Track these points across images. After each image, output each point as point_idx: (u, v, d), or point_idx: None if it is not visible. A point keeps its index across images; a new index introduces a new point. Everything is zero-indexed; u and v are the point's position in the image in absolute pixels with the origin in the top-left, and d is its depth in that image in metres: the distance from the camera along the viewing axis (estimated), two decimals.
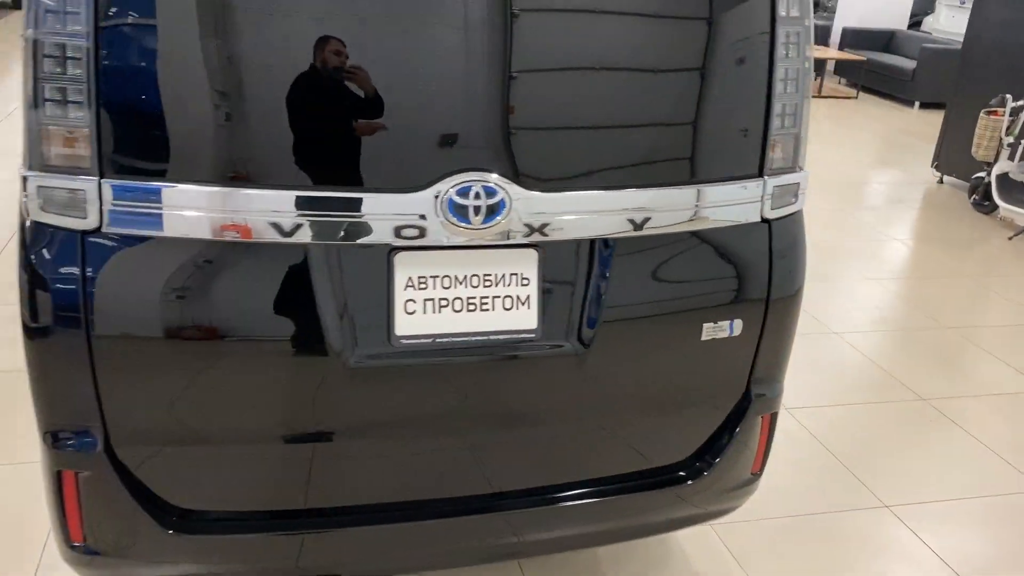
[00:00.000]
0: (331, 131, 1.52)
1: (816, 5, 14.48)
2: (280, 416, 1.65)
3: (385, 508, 1.76)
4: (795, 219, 1.89)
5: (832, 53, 11.43)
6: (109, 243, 1.47)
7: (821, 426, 3.22)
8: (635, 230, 1.70)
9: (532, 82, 1.58)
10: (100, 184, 1.43)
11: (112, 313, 1.49)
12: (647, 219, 1.70)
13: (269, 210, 1.48)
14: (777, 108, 1.77)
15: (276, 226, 1.49)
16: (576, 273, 1.72)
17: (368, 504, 1.76)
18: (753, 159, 1.78)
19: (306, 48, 1.45)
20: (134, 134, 1.44)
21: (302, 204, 1.49)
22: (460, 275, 1.65)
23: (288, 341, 1.59)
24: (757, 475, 2.08)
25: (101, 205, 1.44)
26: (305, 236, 1.51)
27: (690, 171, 1.74)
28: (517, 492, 1.85)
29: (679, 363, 1.85)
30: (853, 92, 11.02)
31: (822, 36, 11.93)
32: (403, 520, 1.76)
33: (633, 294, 1.77)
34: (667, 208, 1.71)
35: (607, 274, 1.72)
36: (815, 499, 2.79)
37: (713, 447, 1.98)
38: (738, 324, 1.86)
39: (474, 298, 1.66)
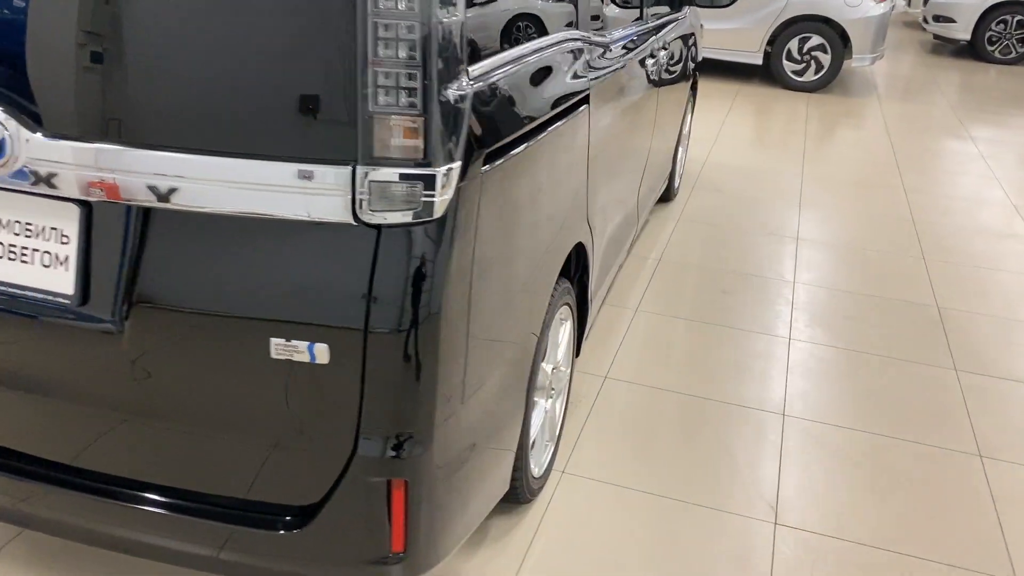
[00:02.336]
0: None
1: None
2: None
3: None
4: (428, 230, 1.42)
5: None
6: None
7: None
8: (160, 200, 1.43)
9: (54, 16, 1.41)
10: None
11: None
12: (172, 189, 1.41)
13: None
14: (379, 76, 1.34)
15: None
16: (121, 241, 1.50)
17: None
18: (340, 139, 1.37)
19: None
20: None
21: None
22: (3, 219, 1.53)
23: None
24: (401, 555, 1.59)
25: None
26: None
27: (237, 138, 1.39)
28: (47, 463, 1.69)
29: (243, 378, 1.50)
30: None
31: None
32: None
33: (183, 278, 1.49)
34: (196, 179, 1.40)
35: (154, 249, 1.48)
36: None
37: (321, 503, 1.57)
38: (321, 350, 1.45)
39: (15, 246, 1.54)
